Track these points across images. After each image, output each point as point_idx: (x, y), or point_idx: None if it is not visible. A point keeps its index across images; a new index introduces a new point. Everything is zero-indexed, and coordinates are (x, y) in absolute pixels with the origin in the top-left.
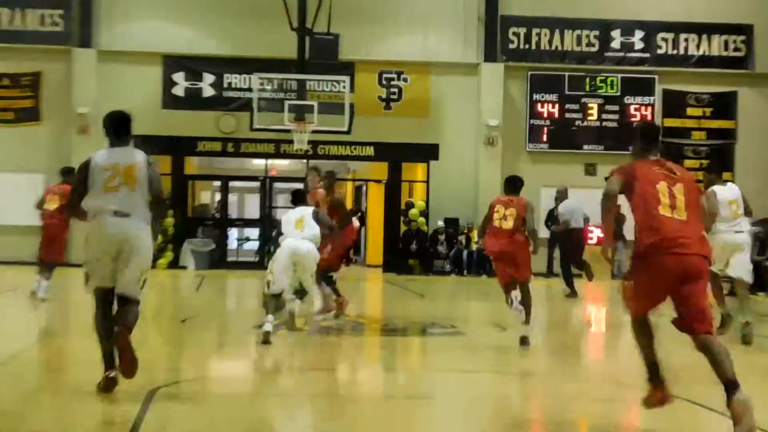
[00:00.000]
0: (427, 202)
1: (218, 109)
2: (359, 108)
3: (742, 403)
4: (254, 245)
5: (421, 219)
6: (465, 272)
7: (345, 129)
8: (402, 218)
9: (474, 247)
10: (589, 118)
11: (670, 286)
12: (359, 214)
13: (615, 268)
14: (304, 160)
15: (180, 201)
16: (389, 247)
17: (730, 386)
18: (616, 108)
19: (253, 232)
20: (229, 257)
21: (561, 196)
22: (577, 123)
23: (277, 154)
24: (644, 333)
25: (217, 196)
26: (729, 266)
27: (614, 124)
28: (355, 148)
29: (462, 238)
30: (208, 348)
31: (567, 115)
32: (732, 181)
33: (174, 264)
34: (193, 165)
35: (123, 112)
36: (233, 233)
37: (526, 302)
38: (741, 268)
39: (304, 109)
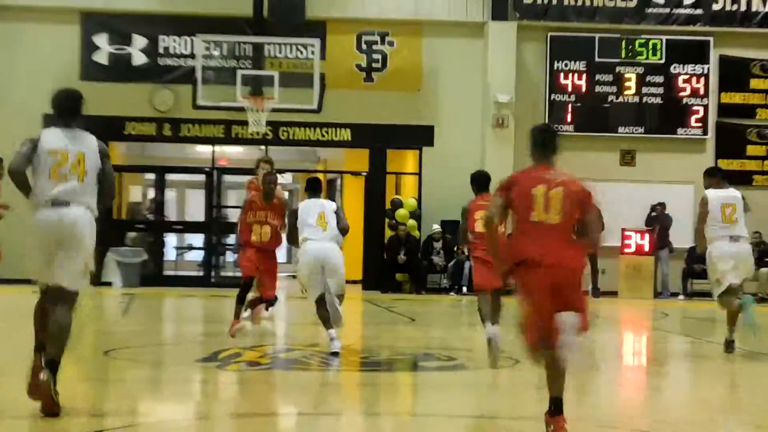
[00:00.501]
0: (419, 201)
1: (152, 81)
2: (332, 80)
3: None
4: (198, 255)
5: (412, 222)
6: (466, 289)
7: (314, 107)
8: (387, 221)
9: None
10: (626, 92)
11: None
12: None
13: (660, 284)
14: (262, 147)
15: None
16: (370, 257)
17: (558, 404)
18: (660, 79)
19: (197, 239)
20: (166, 271)
21: None
22: (610, 99)
23: (228, 139)
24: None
25: (151, 193)
26: (736, 273)
27: (658, 100)
28: (327, 132)
29: (464, 246)
30: (138, 388)
31: (598, 88)
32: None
33: (94, 280)
34: (119, 152)
35: (69, 90)
36: (171, 240)
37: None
38: (742, 275)
39: (262, 82)
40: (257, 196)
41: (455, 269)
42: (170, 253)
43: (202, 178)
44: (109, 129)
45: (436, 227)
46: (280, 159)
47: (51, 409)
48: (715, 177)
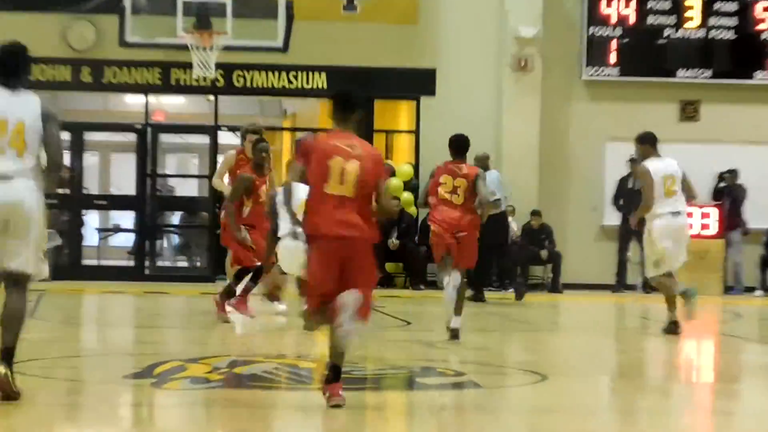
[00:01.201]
0: (416, 167)
1: (66, 11)
2: (302, 8)
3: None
4: (128, 240)
5: (407, 196)
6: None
7: (278, 44)
8: (374, 194)
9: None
10: (688, 25)
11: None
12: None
13: (733, 278)
14: (211, 97)
15: None
16: None
17: (337, 371)
18: (732, 7)
19: (126, 219)
20: (85, 259)
21: (482, 164)
22: (667, 33)
23: (166, 87)
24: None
25: (66, 158)
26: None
27: (729, 35)
28: (295, 77)
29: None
30: (51, 413)
31: (650, 19)
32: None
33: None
34: None
35: (12, 43)
36: (92, 220)
37: (462, 292)
38: (681, 256)
39: (210, 11)
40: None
41: None
42: (91, 237)
43: (132, 138)
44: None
45: None
46: (235, 113)
47: (11, 396)
48: (653, 144)
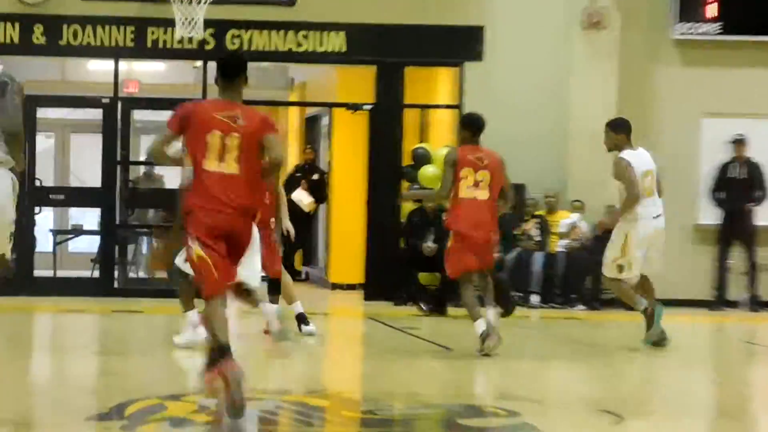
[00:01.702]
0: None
1: None
2: None
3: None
4: (92, 244)
5: None
6: (535, 297)
7: None
8: (405, 186)
9: (559, 244)
10: None
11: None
12: (312, 178)
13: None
14: (198, 63)
15: None
16: (376, 248)
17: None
18: None
19: (90, 218)
20: (37, 270)
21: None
22: None
23: (141, 51)
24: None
25: None
26: (648, 262)
27: None
28: (305, 37)
29: (530, 226)
30: None
31: None
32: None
33: None
34: None
35: None
36: (46, 220)
37: (493, 293)
38: (658, 262)
39: None
40: None
41: (518, 264)
42: (45, 242)
43: (98, 115)
44: None
45: None
46: None
47: None
48: (629, 134)
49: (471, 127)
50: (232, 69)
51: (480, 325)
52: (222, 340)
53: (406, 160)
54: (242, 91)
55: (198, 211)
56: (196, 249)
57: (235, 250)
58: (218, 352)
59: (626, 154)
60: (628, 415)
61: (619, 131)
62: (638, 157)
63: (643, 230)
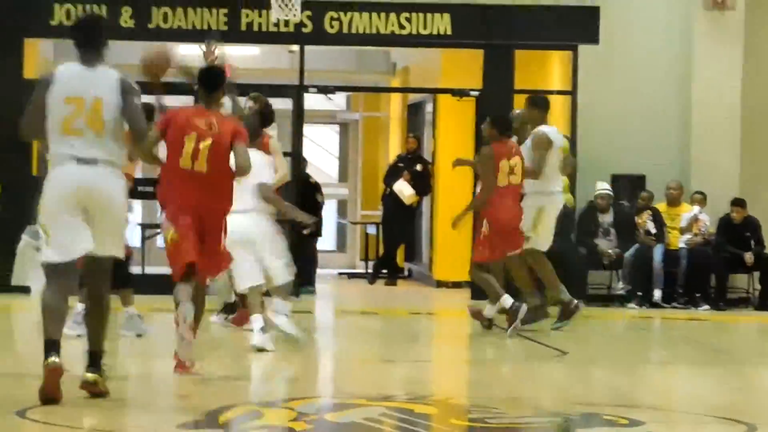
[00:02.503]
0: (572, 141)
1: None
2: None
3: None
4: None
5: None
6: (657, 293)
7: None
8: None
9: (681, 239)
10: None
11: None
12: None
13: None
14: (294, 48)
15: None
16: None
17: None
18: None
19: None
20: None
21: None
22: None
23: (234, 34)
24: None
25: None
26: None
27: None
28: (408, 19)
29: (644, 220)
30: None
31: None
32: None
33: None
34: (39, 58)
35: (88, 16)
36: (134, 212)
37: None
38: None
39: None
40: None
41: (637, 261)
42: (132, 236)
43: (188, 101)
44: (22, 16)
45: (603, 187)
46: (326, 69)
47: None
48: (546, 112)
49: (498, 125)
50: (212, 82)
51: (507, 299)
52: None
53: None
54: (220, 101)
55: (171, 203)
56: (171, 233)
57: (205, 238)
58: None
59: (544, 128)
60: (759, 424)
61: (538, 107)
62: (555, 134)
63: (556, 205)
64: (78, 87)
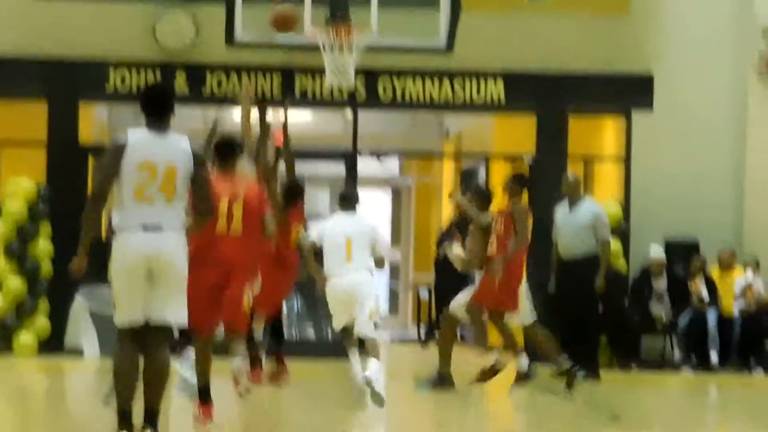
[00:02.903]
0: (626, 206)
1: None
2: None
3: None
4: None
5: (613, 244)
6: (714, 356)
7: (440, 43)
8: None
9: (735, 305)
10: None
11: None
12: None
13: None
14: (349, 113)
15: (69, 200)
16: (535, 302)
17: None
18: None
19: None
20: None
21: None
22: None
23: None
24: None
25: None
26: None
27: None
28: (462, 85)
29: (698, 285)
30: None
31: None
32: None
33: (54, 344)
34: (94, 123)
35: (157, 85)
36: None
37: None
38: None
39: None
40: None
41: (691, 327)
42: None
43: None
44: (78, 81)
45: (657, 251)
46: (380, 133)
47: None
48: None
49: (517, 181)
50: (228, 154)
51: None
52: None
53: None
54: (235, 168)
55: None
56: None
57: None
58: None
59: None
60: None
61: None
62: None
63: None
64: (152, 153)
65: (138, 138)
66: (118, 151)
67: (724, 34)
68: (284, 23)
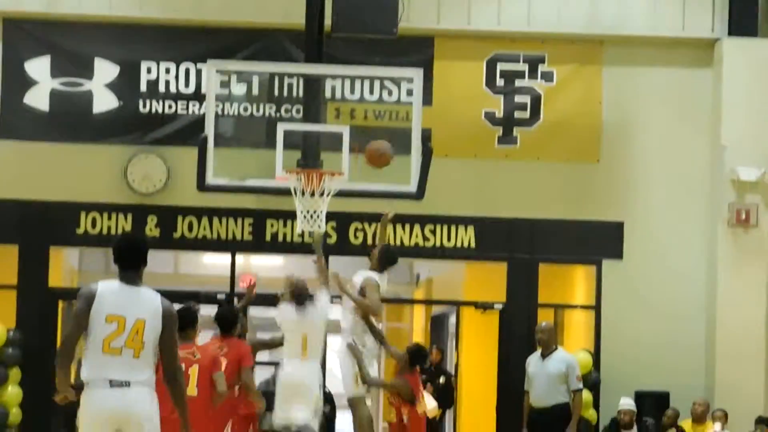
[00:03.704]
0: (596, 357)
1: (127, 142)
2: (444, 142)
3: None
4: None
5: (584, 395)
6: None
7: (411, 188)
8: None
9: None
10: None
11: None
12: (438, 381)
13: None
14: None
15: (39, 345)
16: None
17: None
18: None
19: None
20: None
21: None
22: None
23: (259, 244)
24: None
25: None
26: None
27: None
28: (432, 231)
29: None
30: None
31: None
32: None
33: None
34: (65, 266)
35: (131, 235)
36: None
37: None
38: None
39: (321, 144)
40: None
41: None
42: None
43: (213, 311)
44: (49, 224)
45: (626, 402)
46: (350, 278)
47: None
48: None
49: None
50: (185, 322)
51: None
52: None
53: None
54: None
55: None
56: None
57: None
58: None
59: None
60: None
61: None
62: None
63: None
64: (120, 305)
65: (108, 288)
66: (88, 300)
67: (695, 183)
68: (380, 158)
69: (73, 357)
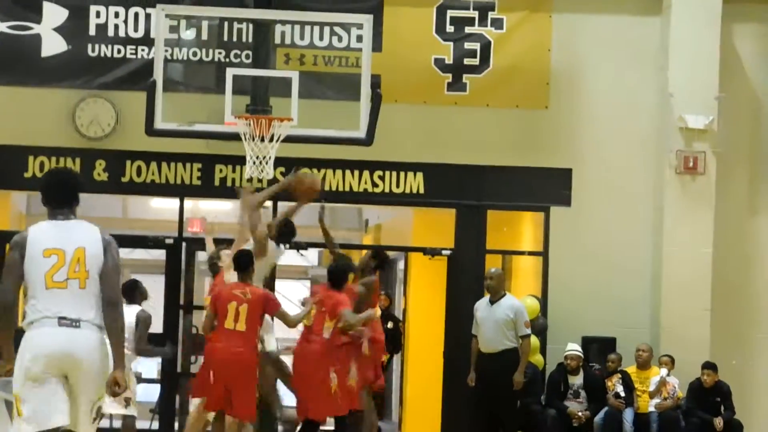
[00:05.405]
0: (543, 302)
1: (75, 86)
2: (393, 88)
3: None
4: (152, 393)
5: (532, 340)
6: None
7: (360, 134)
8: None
9: (651, 403)
10: None
11: None
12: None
13: None
14: (267, 205)
15: None
16: (454, 404)
17: None
18: None
19: (150, 364)
20: None
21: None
22: None
23: (207, 189)
24: None
25: None
26: None
27: None
28: (381, 177)
29: (614, 383)
30: None
31: None
32: None
33: None
34: (12, 210)
35: (63, 171)
36: None
37: None
38: None
39: (270, 90)
40: None
41: (607, 424)
42: None
43: (160, 256)
44: None
45: (573, 348)
46: (298, 224)
47: None
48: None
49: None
50: (243, 264)
51: None
52: None
53: None
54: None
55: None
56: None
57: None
58: None
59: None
60: None
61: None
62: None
63: None
64: (57, 239)
65: (39, 228)
66: (20, 246)
67: (642, 131)
68: (311, 192)
69: (14, 312)
